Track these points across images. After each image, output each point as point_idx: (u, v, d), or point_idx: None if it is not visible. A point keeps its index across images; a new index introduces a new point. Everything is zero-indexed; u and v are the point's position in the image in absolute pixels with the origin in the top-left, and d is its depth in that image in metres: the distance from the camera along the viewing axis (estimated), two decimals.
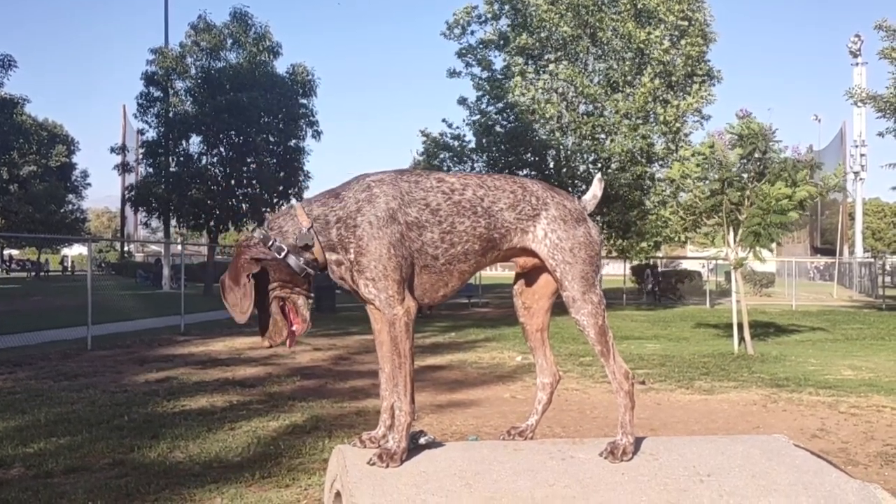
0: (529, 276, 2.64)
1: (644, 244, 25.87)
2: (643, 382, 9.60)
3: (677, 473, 2.18)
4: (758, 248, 12.74)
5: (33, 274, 51.97)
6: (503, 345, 14.05)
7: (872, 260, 41.59)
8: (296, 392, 8.86)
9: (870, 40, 46.08)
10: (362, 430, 7.07)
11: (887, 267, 42.74)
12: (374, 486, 2.01)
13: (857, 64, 47.04)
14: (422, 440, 2.32)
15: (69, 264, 64.10)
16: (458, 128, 27.32)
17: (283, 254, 2.36)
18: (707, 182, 13.00)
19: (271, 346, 2.44)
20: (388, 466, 2.17)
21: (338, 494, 2.23)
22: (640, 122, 24.71)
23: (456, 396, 8.79)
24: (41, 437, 6.46)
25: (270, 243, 2.37)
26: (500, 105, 26.49)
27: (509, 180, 2.54)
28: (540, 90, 25.63)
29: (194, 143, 34.35)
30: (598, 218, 27.31)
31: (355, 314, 22.36)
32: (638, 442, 2.40)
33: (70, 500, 4.83)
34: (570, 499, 2.02)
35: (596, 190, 2.65)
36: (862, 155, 48.59)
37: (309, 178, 35.88)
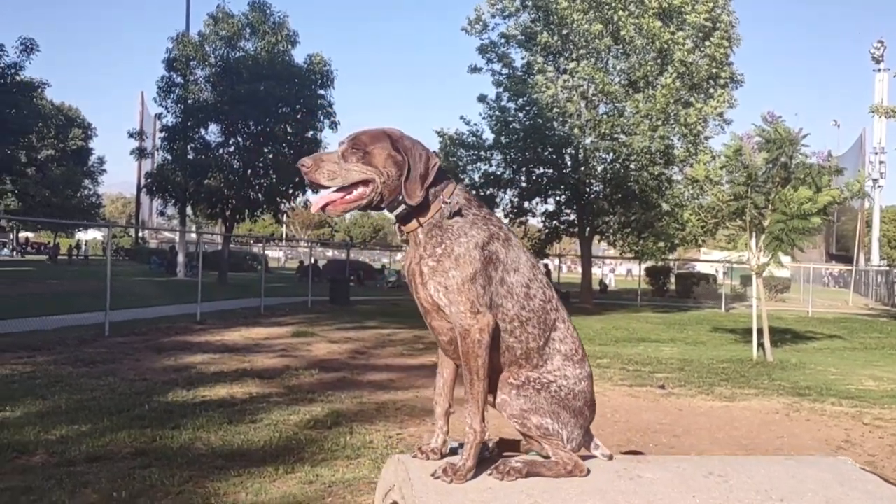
0: None
1: (661, 244, 25.68)
2: (662, 387, 9.52)
3: (750, 497, 2.10)
4: (779, 254, 12.59)
5: (48, 258, 52.09)
6: None
7: (889, 268, 41.21)
8: (315, 385, 8.82)
9: (894, 46, 45.66)
10: (383, 426, 7.01)
11: None
12: (441, 500, 1.95)
13: (879, 70, 46.65)
14: (486, 454, 2.26)
15: (84, 249, 64.33)
16: (475, 125, 27.16)
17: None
18: (731, 185, 12.82)
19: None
20: (451, 482, 2.11)
21: None
22: (659, 123, 24.47)
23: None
24: (63, 423, 6.43)
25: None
26: (521, 101, 26.30)
27: None
28: (560, 88, 25.46)
29: (213, 132, 34.39)
30: (613, 218, 27.10)
31: (369, 307, 22.34)
32: (706, 461, 2.32)
33: (94, 489, 4.80)
34: None
35: None
36: (881, 162, 48.23)
37: None
